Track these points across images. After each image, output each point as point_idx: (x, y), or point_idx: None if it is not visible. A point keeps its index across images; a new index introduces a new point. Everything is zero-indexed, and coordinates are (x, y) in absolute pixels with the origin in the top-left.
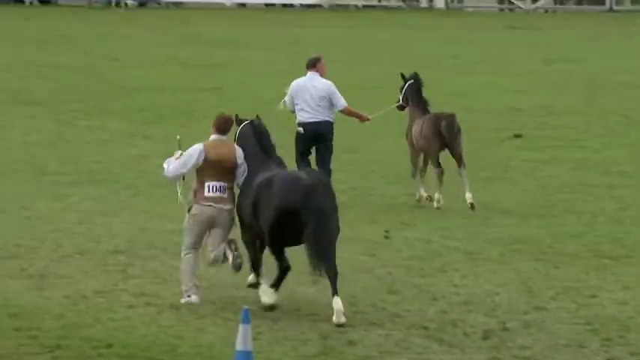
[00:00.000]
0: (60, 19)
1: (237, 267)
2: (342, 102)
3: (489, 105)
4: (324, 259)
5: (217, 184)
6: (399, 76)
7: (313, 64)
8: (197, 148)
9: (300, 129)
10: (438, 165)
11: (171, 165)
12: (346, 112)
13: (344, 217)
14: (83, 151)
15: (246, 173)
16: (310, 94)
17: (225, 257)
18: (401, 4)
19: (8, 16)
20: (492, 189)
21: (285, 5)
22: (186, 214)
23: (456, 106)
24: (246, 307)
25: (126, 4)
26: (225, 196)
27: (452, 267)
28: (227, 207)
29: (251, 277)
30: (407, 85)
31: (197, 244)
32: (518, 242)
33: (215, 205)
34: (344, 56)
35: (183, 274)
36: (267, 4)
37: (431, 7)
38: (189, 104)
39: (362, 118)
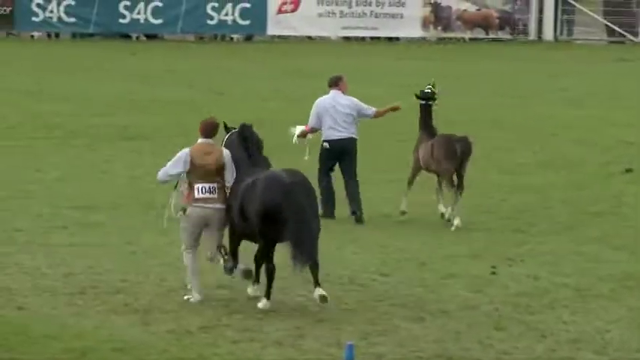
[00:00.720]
0: (165, 53)
1: (229, 270)
2: (371, 109)
3: (598, 138)
4: (306, 253)
5: (206, 185)
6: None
7: (336, 83)
8: (183, 153)
9: (326, 144)
10: (453, 185)
11: (161, 169)
12: (379, 114)
13: (448, 252)
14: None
15: (234, 177)
16: (337, 112)
17: (218, 260)
18: (508, 36)
19: (115, 51)
20: (603, 224)
21: (390, 38)
22: (182, 216)
23: (564, 139)
24: (350, 342)
25: (231, 38)
26: (216, 196)
27: (561, 303)
28: (218, 206)
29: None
30: (420, 105)
31: (195, 243)
32: (631, 278)
33: (205, 205)
34: (449, 89)
35: (187, 271)
36: (372, 38)
37: (539, 40)
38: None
39: (394, 109)
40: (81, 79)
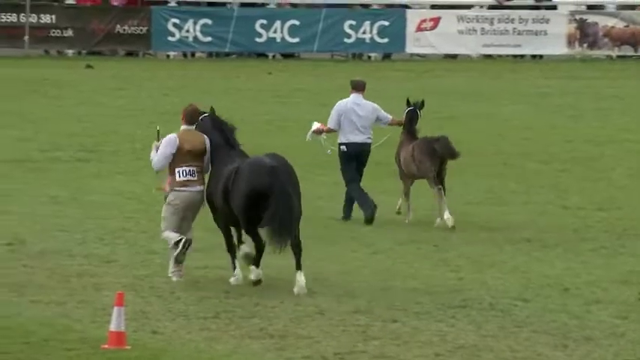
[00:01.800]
0: (302, 72)
1: (179, 261)
2: (388, 117)
3: None
4: (288, 235)
5: (187, 168)
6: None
7: (361, 87)
8: (171, 138)
9: (344, 147)
10: (437, 184)
11: (155, 157)
12: (392, 122)
13: (592, 277)
14: (317, 206)
15: (209, 162)
16: (357, 116)
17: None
18: None
19: (251, 69)
20: None
21: (533, 56)
22: (165, 203)
23: None
24: None
25: (369, 57)
26: (196, 178)
27: None
28: (198, 188)
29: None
30: (407, 110)
31: (177, 226)
32: None
33: (188, 188)
34: (593, 108)
35: (171, 238)
36: (514, 55)
37: None
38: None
39: (400, 123)
40: (216, 99)
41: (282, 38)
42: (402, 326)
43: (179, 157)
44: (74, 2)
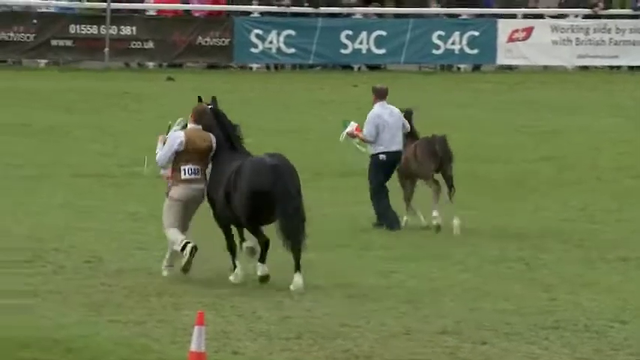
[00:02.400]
0: (388, 84)
1: (185, 270)
2: (407, 126)
3: None
4: (293, 237)
5: (192, 167)
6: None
7: (386, 94)
8: (178, 136)
9: (383, 157)
10: (435, 182)
11: (160, 153)
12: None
13: None
14: (410, 224)
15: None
16: (395, 124)
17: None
18: None
19: (336, 82)
20: None
21: (631, 67)
22: (166, 198)
23: None
24: None
25: (458, 69)
26: (200, 177)
27: None
28: (201, 186)
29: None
30: (406, 111)
31: (179, 223)
32: None
33: (192, 186)
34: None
35: (173, 239)
36: (611, 67)
37: None
38: (522, 175)
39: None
40: (299, 112)
41: (368, 49)
42: (492, 348)
43: (185, 155)
44: (155, 13)
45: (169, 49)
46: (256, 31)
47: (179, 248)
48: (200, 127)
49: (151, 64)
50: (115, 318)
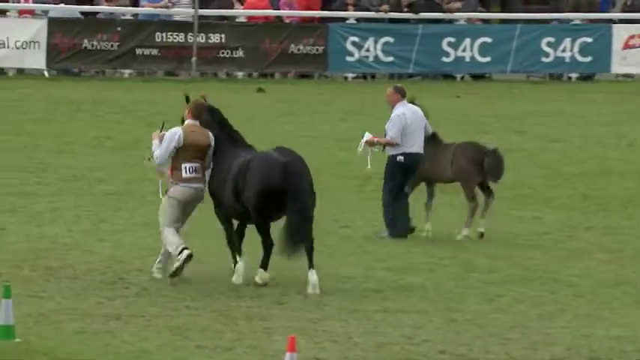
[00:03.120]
0: (494, 95)
1: (175, 274)
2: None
3: None
4: (302, 235)
5: (192, 165)
6: None
7: (405, 93)
8: (175, 131)
9: (402, 158)
10: (473, 198)
11: (157, 151)
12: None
13: None
14: (515, 244)
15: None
16: (418, 124)
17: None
18: None
19: (437, 93)
20: None
21: None
22: (164, 196)
23: None
24: None
25: (569, 78)
26: (200, 176)
27: None
28: (200, 186)
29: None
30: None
31: (177, 223)
32: None
33: (192, 185)
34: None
35: (168, 242)
36: None
37: None
38: (638, 192)
39: None
40: None
41: (472, 57)
42: None
43: (183, 152)
44: (245, 20)
45: (260, 58)
46: (352, 38)
47: (175, 252)
48: (197, 122)
49: (240, 73)
50: (202, 343)
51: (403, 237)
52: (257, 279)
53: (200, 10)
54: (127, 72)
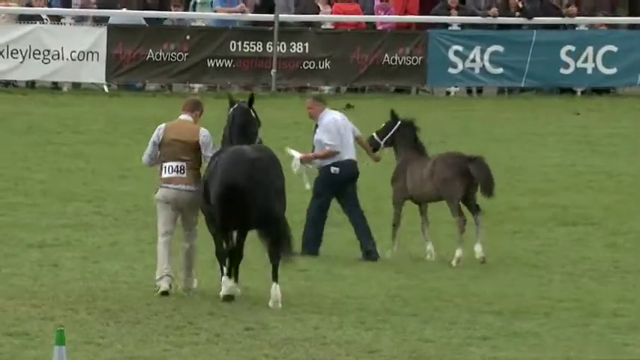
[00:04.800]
0: (620, 112)
1: (187, 290)
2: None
3: None
4: (280, 245)
5: (174, 164)
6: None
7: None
8: (159, 127)
9: (336, 169)
10: (460, 213)
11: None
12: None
13: None
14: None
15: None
16: (349, 129)
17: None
18: None
19: (554, 109)
20: None
21: None
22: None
23: None
24: None
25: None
26: (184, 175)
27: None
28: (187, 187)
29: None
30: (400, 124)
31: (168, 229)
32: None
33: (172, 185)
34: None
35: (157, 260)
36: None
37: None
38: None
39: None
40: (507, 146)
41: (595, 69)
42: None
43: (165, 148)
44: (331, 26)
45: (348, 70)
46: (455, 47)
47: (156, 276)
48: (189, 117)
49: (326, 88)
50: None
51: (314, 255)
52: (222, 290)
53: (281, 16)
54: (197, 86)
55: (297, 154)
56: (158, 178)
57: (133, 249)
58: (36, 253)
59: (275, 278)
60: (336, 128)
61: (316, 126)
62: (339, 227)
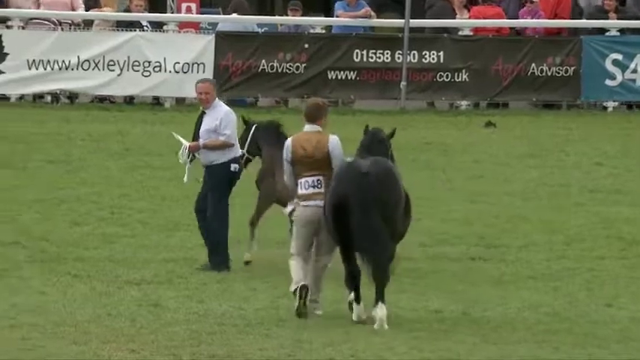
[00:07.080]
0: None
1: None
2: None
3: None
4: (371, 261)
5: (310, 179)
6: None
7: None
8: (285, 146)
9: (236, 166)
10: None
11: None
12: None
13: None
14: None
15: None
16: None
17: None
18: None
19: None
20: None
21: None
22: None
23: None
24: None
25: None
26: (323, 190)
27: None
28: (323, 202)
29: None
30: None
31: (303, 249)
32: None
33: (309, 202)
34: None
35: (293, 274)
36: None
37: None
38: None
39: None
40: None
41: None
42: None
43: (297, 165)
44: (470, 33)
45: (489, 83)
46: (614, 55)
47: (291, 289)
48: (316, 127)
49: (463, 103)
50: None
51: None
52: (353, 316)
53: (412, 21)
54: None
55: (185, 142)
56: (295, 195)
57: (243, 287)
58: (134, 292)
59: (379, 298)
60: (234, 120)
61: (203, 113)
62: None
